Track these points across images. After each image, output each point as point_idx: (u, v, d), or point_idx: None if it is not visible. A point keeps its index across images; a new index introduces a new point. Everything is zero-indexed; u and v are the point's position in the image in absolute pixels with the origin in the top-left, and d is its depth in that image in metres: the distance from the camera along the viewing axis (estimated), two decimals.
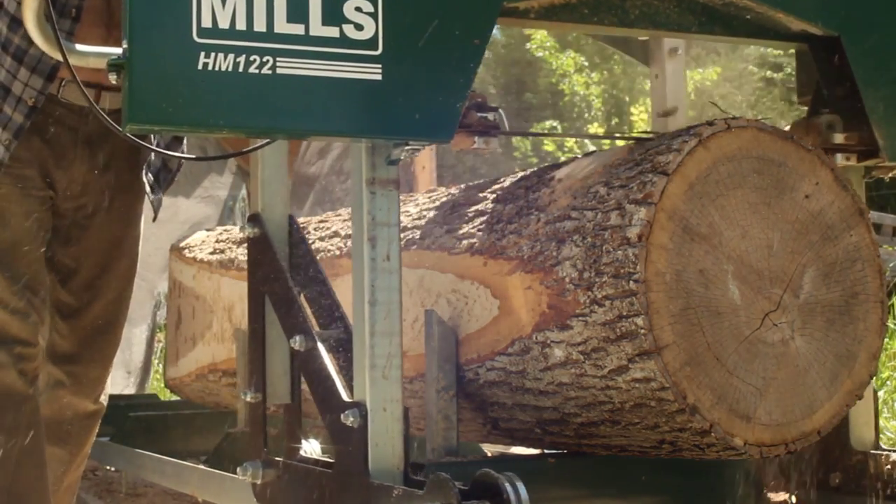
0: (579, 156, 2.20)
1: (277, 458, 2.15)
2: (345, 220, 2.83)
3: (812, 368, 1.92)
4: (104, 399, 2.87)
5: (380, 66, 1.70)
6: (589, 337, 1.87)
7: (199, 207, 6.29)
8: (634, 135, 2.60)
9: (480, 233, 2.17)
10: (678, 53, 2.80)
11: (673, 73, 2.79)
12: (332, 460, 1.96)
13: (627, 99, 16.00)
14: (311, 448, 2.12)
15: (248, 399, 2.20)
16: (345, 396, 1.89)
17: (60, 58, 1.75)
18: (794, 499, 2.35)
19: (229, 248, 3.43)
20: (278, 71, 1.64)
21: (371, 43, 1.70)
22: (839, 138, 2.14)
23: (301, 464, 2.07)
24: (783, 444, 1.89)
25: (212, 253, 3.54)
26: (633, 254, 1.79)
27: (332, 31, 1.68)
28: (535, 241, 2.01)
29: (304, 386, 2.10)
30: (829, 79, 2.17)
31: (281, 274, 2.14)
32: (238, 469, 2.20)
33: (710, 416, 1.81)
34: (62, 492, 2.81)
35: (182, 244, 3.83)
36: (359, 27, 1.69)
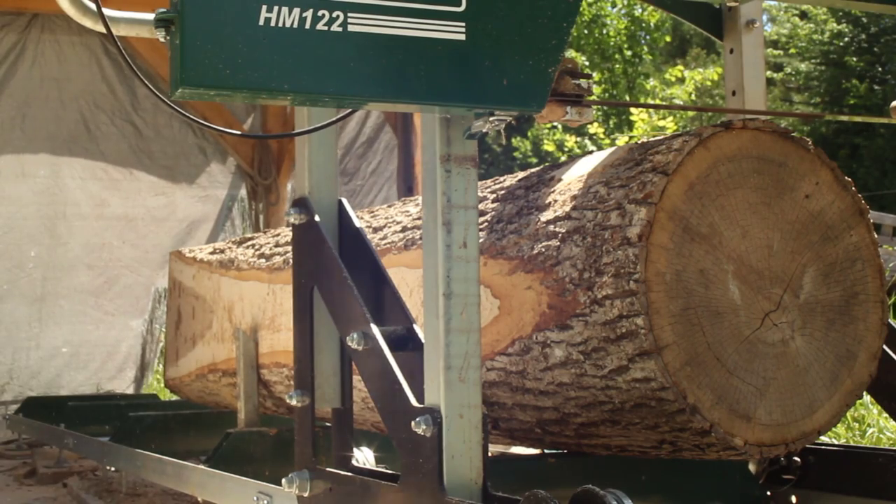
0: (579, 156, 2.20)
1: (329, 469, 1.97)
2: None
3: (812, 368, 1.91)
4: None
5: (463, 24, 1.49)
6: (589, 337, 1.87)
7: (197, 206, 6.30)
8: (729, 108, 2.52)
9: (481, 232, 2.16)
10: (755, 26, 2.60)
11: (750, 48, 2.60)
12: (397, 473, 1.79)
13: (627, 98, 16.00)
14: (365, 458, 1.96)
15: (295, 402, 2.01)
16: (413, 402, 1.72)
17: (102, 29, 1.52)
18: (794, 498, 2.35)
19: (229, 248, 3.43)
20: (349, 28, 1.44)
21: None
22: None
23: (357, 475, 1.90)
24: (783, 443, 1.89)
25: (211, 253, 3.54)
26: (634, 254, 1.79)
27: None
28: (535, 241, 2.01)
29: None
30: None
31: (333, 263, 1.95)
32: (283, 480, 2.02)
33: (710, 416, 1.81)
34: None
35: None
36: None
